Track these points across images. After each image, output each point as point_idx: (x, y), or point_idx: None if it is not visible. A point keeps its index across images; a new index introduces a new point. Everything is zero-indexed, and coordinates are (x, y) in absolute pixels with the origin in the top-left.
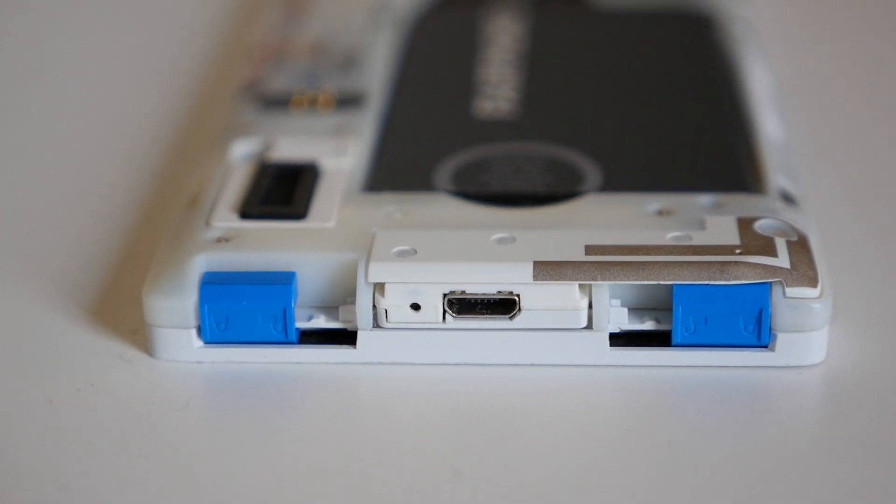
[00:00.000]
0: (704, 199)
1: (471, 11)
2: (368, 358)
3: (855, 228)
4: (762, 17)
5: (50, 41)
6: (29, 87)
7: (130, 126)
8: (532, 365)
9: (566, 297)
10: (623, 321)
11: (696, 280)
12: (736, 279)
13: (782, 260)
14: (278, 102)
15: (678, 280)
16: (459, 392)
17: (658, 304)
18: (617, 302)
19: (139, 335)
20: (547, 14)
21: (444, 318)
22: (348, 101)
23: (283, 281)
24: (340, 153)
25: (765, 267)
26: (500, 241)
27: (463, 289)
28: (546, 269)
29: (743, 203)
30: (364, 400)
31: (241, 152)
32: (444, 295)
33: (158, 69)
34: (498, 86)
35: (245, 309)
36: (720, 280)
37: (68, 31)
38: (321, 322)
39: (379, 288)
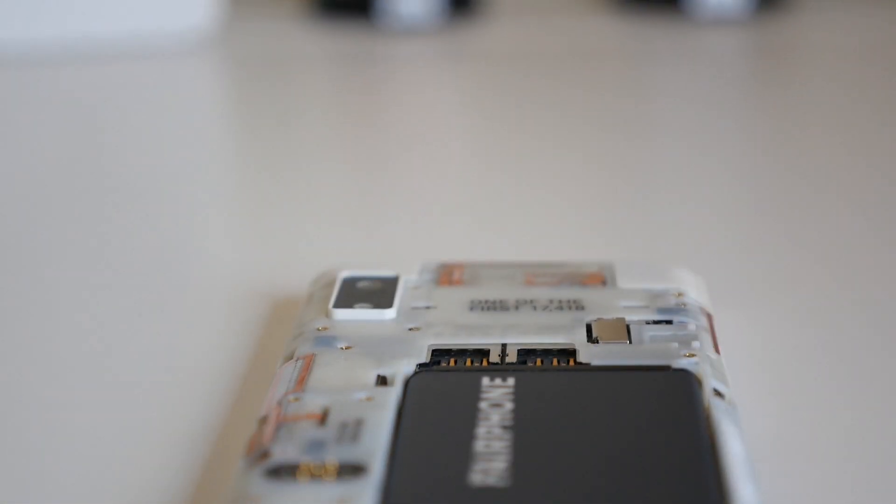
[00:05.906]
0: None
1: (464, 374)
2: None
3: None
4: (735, 384)
5: (63, 397)
6: (42, 446)
7: (142, 491)
8: None
9: None
10: None
11: None
12: None
13: None
14: (284, 472)
15: None
16: None
17: None
18: None
19: None
20: (533, 373)
21: None
22: (350, 472)
23: None
24: None
25: None
26: None
27: None
28: None
29: None
30: None
31: None
32: None
33: (162, 439)
34: (489, 450)
35: None
36: None
37: (81, 385)
38: None
39: None
